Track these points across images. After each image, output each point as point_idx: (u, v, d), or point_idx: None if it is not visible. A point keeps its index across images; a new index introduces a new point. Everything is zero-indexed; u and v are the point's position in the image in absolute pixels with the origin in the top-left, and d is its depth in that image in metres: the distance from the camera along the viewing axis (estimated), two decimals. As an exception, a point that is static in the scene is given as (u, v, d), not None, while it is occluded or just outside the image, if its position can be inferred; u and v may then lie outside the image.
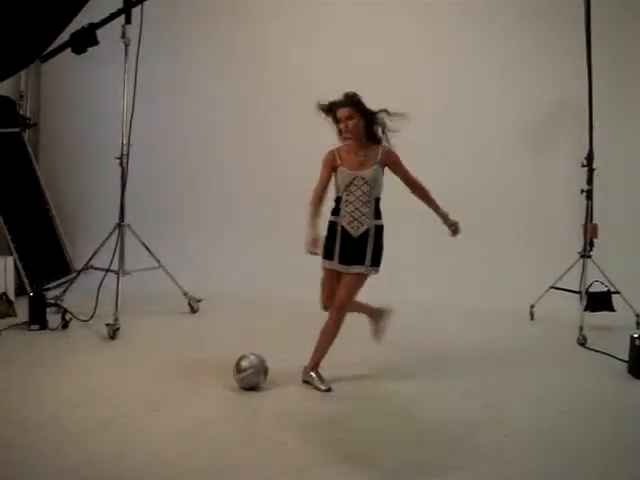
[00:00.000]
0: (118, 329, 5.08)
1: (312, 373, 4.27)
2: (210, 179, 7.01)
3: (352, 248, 4.15)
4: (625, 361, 4.66)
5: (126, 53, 5.37)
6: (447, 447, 3.51)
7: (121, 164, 5.48)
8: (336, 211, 4.20)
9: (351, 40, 6.66)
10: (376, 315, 4.51)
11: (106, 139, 6.32)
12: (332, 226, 4.21)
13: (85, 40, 5.32)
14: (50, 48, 5.73)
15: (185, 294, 5.79)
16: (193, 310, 5.83)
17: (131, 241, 5.59)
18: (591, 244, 5.53)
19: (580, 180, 5.53)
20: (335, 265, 4.20)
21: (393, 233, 6.11)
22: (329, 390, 4.17)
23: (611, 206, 5.91)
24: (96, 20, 5.34)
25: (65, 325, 5.24)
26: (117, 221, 5.53)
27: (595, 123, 5.50)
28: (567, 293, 5.53)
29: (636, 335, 4.60)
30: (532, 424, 3.81)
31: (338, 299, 4.19)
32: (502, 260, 6.12)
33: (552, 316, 5.59)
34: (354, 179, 4.13)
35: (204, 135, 7.02)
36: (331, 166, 4.18)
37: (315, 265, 6.52)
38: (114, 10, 5.35)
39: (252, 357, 4.15)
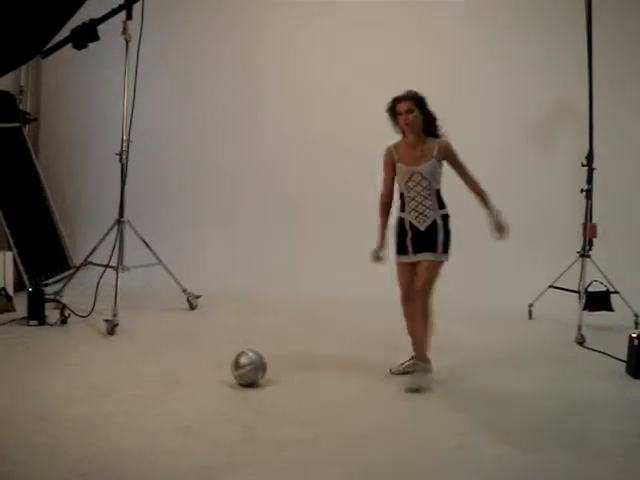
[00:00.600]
0: (117, 325, 5.08)
1: (422, 371, 4.26)
2: (210, 176, 7.01)
3: (423, 239, 4.22)
4: (623, 361, 4.65)
5: (127, 49, 5.36)
6: (445, 445, 3.51)
7: (121, 160, 5.47)
8: (402, 207, 4.28)
9: (350, 41, 6.68)
10: (422, 359, 4.39)
11: (106, 135, 6.34)
12: (401, 222, 4.30)
13: (86, 36, 5.32)
14: (51, 43, 5.72)
15: (184, 291, 5.79)
16: (192, 307, 5.82)
17: (130, 237, 5.59)
18: (590, 244, 5.52)
19: (580, 180, 5.52)
20: (410, 258, 4.26)
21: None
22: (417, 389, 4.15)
23: (611, 206, 5.91)
24: (97, 16, 5.34)
25: (64, 321, 5.24)
26: (116, 217, 5.53)
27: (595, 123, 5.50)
28: (566, 292, 5.53)
29: (634, 335, 4.60)
30: (530, 423, 3.81)
31: (420, 287, 4.22)
32: (501, 259, 6.11)
33: (551, 315, 5.59)
34: (412, 175, 4.20)
35: (204, 132, 7.02)
36: (391, 163, 4.28)
37: (315, 264, 6.59)
38: (115, 6, 5.35)
39: (251, 354, 4.15)
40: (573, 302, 5.47)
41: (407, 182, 4.22)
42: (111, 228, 5.56)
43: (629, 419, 3.88)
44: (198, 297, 5.85)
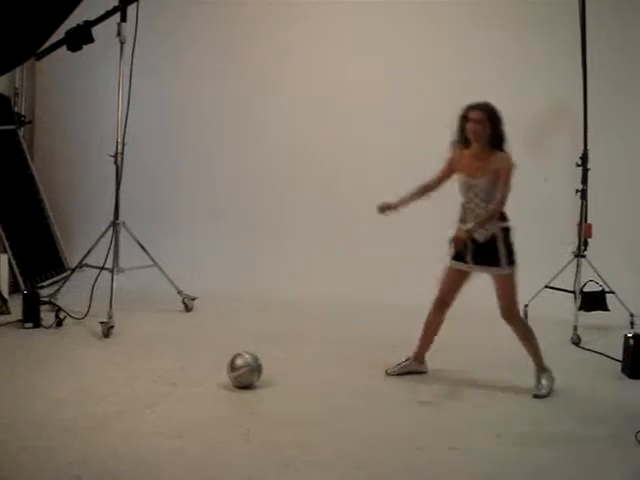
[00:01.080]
0: (112, 327, 5.06)
1: (545, 377, 4.24)
2: (205, 177, 6.99)
3: (483, 252, 4.17)
4: (619, 361, 4.66)
5: (121, 51, 5.35)
6: (441, 447, 3.51)
7: (115, 162, 5.45)
8: (462, 218, 4.24)
9: (348, 42, 6.67)
10: (420, 357, 4.50)
11: (101, 137, 6.31)
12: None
13: (80, 38, 5.30)
14: (45, 45, 5.71)
15: (180, 292, 5.78)
16: (188, 308, 5.81)
17: (126, 239, 5.57)
18: (585, 244, 5.52)
19: (575, 180, 5.53)
20: (469, 267, 4.24)
21: (385, 233, 6.17)
22: (547, 394, 4.17)
23: (606, 206, 5.91)
24: (92, 18, 5.32)
25: (59, 323, 5.22)
26: (112, 219, 5.51)
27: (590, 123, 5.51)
28: (561, 292, 5.53)
29: (630, 335, 4.61)
30: (525, 423, 3.81)
31: (505, 311, 4.20)
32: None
33: (546, 315, 5.56)
34: (470, 187, 4.17)
35: (200, 133, 7.00)
36: (450, 163, 4.24)
37: (313, 265, 6.58)
38: (110, 8, 5.33)
39: (247, 355, 4.15)
40: (569, 302, 5.47)
41: (466, 192, 4.19)
42: (106, 230, 5.54)
43: (625, 419, 3.88)
44: (194, 299, 5.84)
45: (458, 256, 4.25)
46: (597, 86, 5.63)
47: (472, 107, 4.14)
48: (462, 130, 4.17)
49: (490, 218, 4.09)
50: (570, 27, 5.56)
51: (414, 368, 4.49)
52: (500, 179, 4.09)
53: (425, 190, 4.32)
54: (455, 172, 4.24)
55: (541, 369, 4.27)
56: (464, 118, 4.15)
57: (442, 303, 4.37)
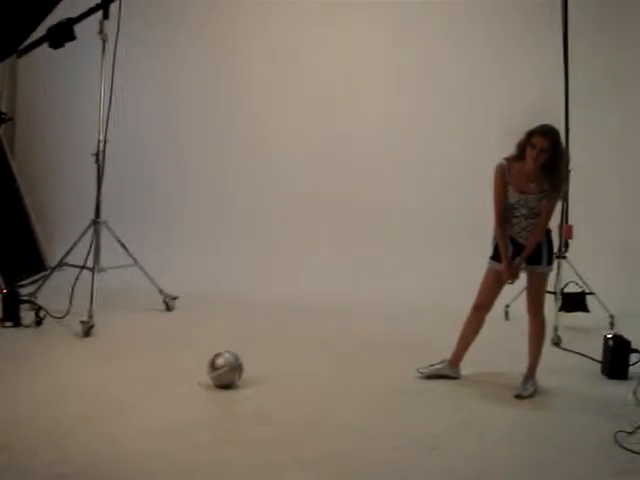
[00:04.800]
0: (92, 327, 5.04)
1: (531, 382, 4.26)
2: (188, 175, 6.98)
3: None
4: (599, 361, 4.69)
5: (103, 48, 5.32)
6: (423, 447, 3.51)
7: (97, 161, 5.42)
8: (508, 220, 4.26)
9: (346, 40, 6.73)
10: (455, 362, 4.49)
11: (82, 135, 6.28)
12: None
13: (62, 35, 5.26)
14: (26, 42, 5.65)
15: (161, 292, 5.75)
16: (169, 308, 5.79)
17: (107, 238, 5.54)
18: (566, 245, 5.55)
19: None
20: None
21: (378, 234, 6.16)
22: (529, 396, 4.19)
23: (587, 207, 5.94)
24: (74, 15, 5.28)
25: (39, 322, 5.18)
26: (93, 217, 5.48)
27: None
28: (542, 293, 5.55)
29: (609, 336, 4.64)
30: (506, 424, 3.82)
31: (535, 307, 4.31)
32: (475, 259, 6.14)
33: (526, 317, 5.60)
34: (519, 200, 4.19)
35: (182, 131, 6.98)
36: (503, 181, 4.21)
37: (298, 266, 6.57)
38: (92, 5, 5.30)
39: (227, 354, 4.14)
40: (549, 303, 5.47)
41: (513, 205, 4.20)
42: (87, 229, 5.51)
43: (605, 419, 3.90)
44: (175, 298, 5.82)
45: (497, 256, 4.27)
46: (578, 84, 5.64)
47: (542, 133, 4.07)
48: (523, 148, 4.14)
49: (537, 243, 4.20)
50: (551, 28, 5.59)
51: (447, 372, 4.46)
52: (549, 199, 4.16)
53: (505, 227, 4.27)
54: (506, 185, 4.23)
55: (531, 375, 4.30)
56: (529, 138, 4.11)
57: (481, 306, 4.39)
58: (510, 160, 4.21)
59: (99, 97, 5.39)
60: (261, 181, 6.87)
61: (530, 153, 4.09)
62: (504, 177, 4.20)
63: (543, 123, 4.11)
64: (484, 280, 4.37)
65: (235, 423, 3.71)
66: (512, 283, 4.29)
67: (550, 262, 4.29)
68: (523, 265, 4.24)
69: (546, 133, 4.08)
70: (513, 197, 4.20)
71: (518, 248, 4.25)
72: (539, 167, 4.11)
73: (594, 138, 6.21)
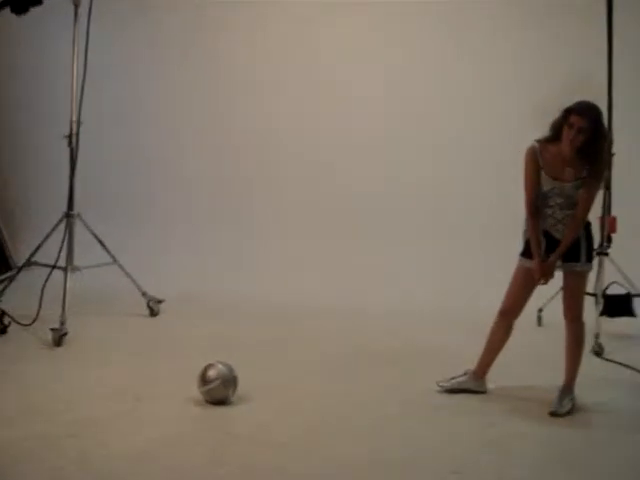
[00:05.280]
0: (65, 334, 5.04)
1: (569, 398, 4.25)
2: (176, 163, 6.98)
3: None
4: (648, 375, 4.68)
5: (76, 15, 5.32)
6: (444, 472, 3.50)
7: (70, 144, 5.43)
8: (540, 211, 4.24)
9: (346, 40, 6.84)
10: (479, 373, 4.48)
11: (53, 115, 6.28)
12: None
13: (26, -2, 5.26)
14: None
15: (144, 294, 5.76)
16: (153, 313, 5.80)
17: (81, 233, 5.55)
18: (609, 240, 5.53)
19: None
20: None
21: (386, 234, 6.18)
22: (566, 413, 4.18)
23: (632, 197, 5.93)
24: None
25: (3, 330, 5.20)
26: (65, 210, 5.48)
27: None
28: (581, 296, 5.54)
29: (659, 344, 4.62)
30: (539, 445, 3.81)
31: (573, 310, 4.28)
32: (507, 258, 6.13)
33: (563, 322, 5.58)
34: (553, 188, 4.17)
35: (169, 113, 6.98)
36: (536, 165, 4.19)
37: (295, 264, 6.58)
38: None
39: (220, 366, 4.13)
40: (589, 306, 5.46)
41: (546, 194, 4.19)
42: (59, 223, 5.52)
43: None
44: (160, 302, 5.83)
45: (528, 253, 4.26)
46: (624, 62, 5.63)
47: (580, 111, 4.03)
48: (559, 128, 4.11)
49: (574, 237, 4.17)
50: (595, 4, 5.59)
51: (471, 386, 4.45)
52: (588, 187, 4.12)
53: (539, 218, 4.24)
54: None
55: (569, 388, 4.28)
56: (566, 116, 4.07)
57: (509, 311, 4.38)
58: (543, 142, 4.19)
59: (72, 72, 5.38)
60: (255, 176, 6.92)
61: (567, 133, 4.06)
62: (536, 161, 4.18)
63: (582, 100, 4.08)
64: (513, 280, 4.35)
65: (229, 444, 3.71)
66: (545, 283, 4.27)
67: (590, 259, 4.26)
68: (559, 263, 4.22)
69: (585, 111, 4.04)
70: (547, 184, 4.18)
71: (553, 243, 4.22)
72: (577, 150, 4.07)
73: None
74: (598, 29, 5.49)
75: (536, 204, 4.21)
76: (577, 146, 4.06)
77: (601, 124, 4.11)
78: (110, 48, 6.45)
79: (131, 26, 6.85)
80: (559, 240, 4.20)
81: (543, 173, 4.18)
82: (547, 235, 4.25)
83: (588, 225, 4.27)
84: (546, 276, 4.23)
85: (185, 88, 6.92)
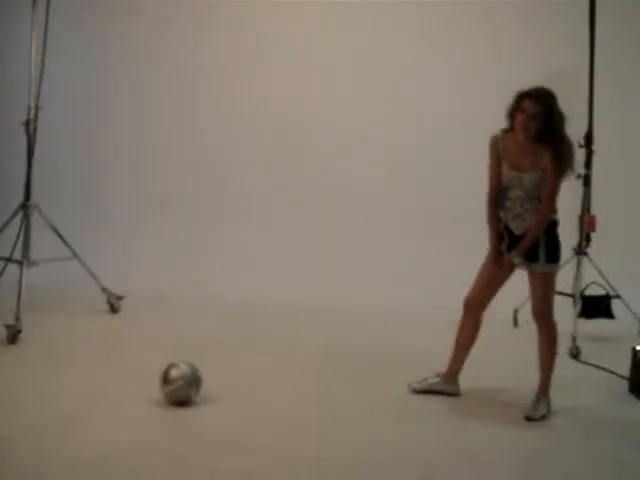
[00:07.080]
0: (19, 331, 5.00)
1: (544, 402, 4.24)
2: (142, 151, 6.94)
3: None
4: (625, 378, 4.70)
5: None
6: (412, 475, 3.50)
7: (27, 131, 5.39)
8: (500, 204, 4.24)
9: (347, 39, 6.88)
10: (450, 375, 4.46)
11: (9, 101, 6.24)
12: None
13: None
14: None
15: (104, 290, 5.73)
16: (113, 309, 5.78)
17: (39, 225, 5.51)
18: (588, 239, 5.56)
19: (577, 163, 5.56)
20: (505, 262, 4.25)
21: (376, 233, 6.19)
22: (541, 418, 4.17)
23: (612, 195, 5.97)
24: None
25: (-47, 327, 5.13)
26: (21, 200, 5.45)
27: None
28: (558, 296, 5.54)
29: (639, 347, 4.64)
30: (513, 451, 3.81)
31: (537, 306, 4.24)
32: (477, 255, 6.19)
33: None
34: (512, 178, 4.15)
35: (136, 98, 6.94)
36: (496, 154, 4.20)
37: (267, 259, 6.57)
38: None
39: (183, 366, 4.11)
40: (567, 307, 5.50)
41: (506, 186, 4.17)
42: (14, 214, 5.48)
43: (633, 448, 3.90)
44: (121, 298, 5.80)
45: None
46: (605, 55, 5.66)
47: (532, 95, 4.01)
48: (512, 117, 4.10)
49: (538, 233, 4.12)
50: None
51: (444, 388, 4.43)
52: (548, 179, 4.07)
53: (497, 208, 4.25)
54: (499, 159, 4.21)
55: (543, 392, 4.28)
56: (518, 102, 4.05)
57: (472, 301, 4.36)
58: (506, 131, 4.17)
59: (30, 54, 5.32)
60: (229, 164, 6.92)
61: (520, 120, 4.04)
62: (497, 149, 4.18)
63: (537, 85, 4.05)
64: (478, 271, 4.35)
65: (191, 448, 3.68)
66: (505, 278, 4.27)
67: (553, 260, 4.19)
68: (521, 260, 4.20)
69: (538, 96, 4.02)
70: (507, 174, 4.16)
71: (514, 240, 4.20)
72: (534, 138, 4.05)
73: (621, 115, 6.23)
74: (581, 28, 5.54)
75: (496, 193, 4.21)
76: (531, 133, 4.04)
77: (556, 109, 4.05)
78: (71, 28, 6.38)
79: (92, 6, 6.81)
80: (519, 237, 4.17)
81: (504, 163, 4.17)
82: (508, 231, 4.23)
83: (553, 223, 4.20)
84: (502, 269, 4.21)
85: (161, 72, 6.89)
